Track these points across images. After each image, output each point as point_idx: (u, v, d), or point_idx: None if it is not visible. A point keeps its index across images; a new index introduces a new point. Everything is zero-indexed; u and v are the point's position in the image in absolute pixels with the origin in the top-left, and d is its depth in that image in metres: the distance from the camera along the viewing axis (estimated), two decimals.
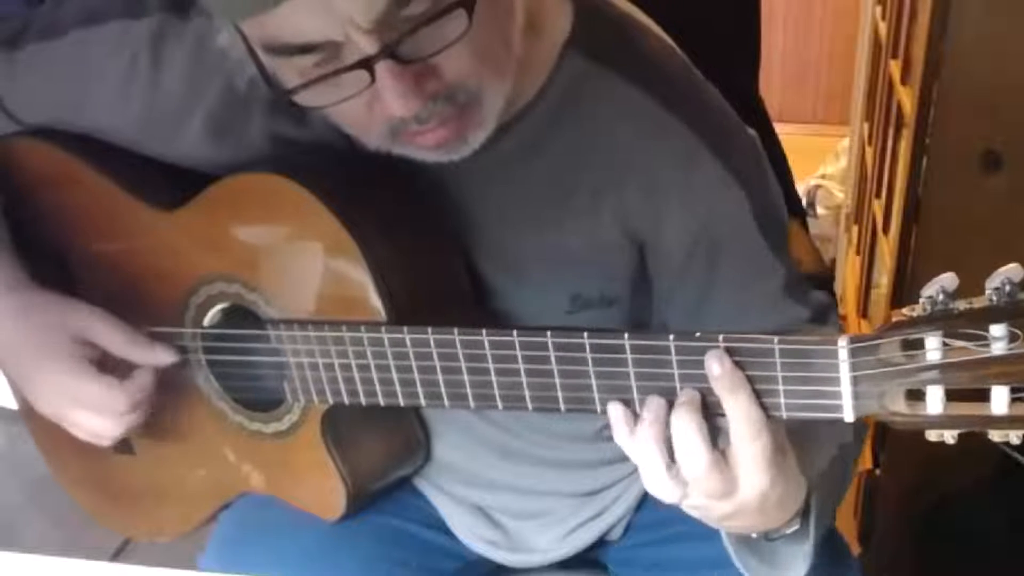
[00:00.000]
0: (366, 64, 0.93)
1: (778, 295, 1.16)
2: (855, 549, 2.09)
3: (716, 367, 0.92)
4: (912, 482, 2.20)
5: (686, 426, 0.93)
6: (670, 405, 0.95)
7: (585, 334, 0.97)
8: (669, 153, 1.12)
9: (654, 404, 0.96)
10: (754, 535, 1.05)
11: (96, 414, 1.19)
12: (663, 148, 1.12)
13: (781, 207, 1.21)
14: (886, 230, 2.43)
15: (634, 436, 0.96)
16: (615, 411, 0.98)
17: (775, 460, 0.95)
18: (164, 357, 1.20)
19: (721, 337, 0.92)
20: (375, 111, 0.98)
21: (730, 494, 0.95)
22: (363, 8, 0.90)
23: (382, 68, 0.93)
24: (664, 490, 0.97)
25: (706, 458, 0.93)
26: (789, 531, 1.03)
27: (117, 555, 1.92)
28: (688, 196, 1.13)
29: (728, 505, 0.96)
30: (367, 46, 0.92)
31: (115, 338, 1.19)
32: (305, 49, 0.94)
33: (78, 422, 1.20)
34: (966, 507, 2.12)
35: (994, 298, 0.79)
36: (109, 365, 1.19)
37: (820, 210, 3.53)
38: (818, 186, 3.58)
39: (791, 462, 0.97)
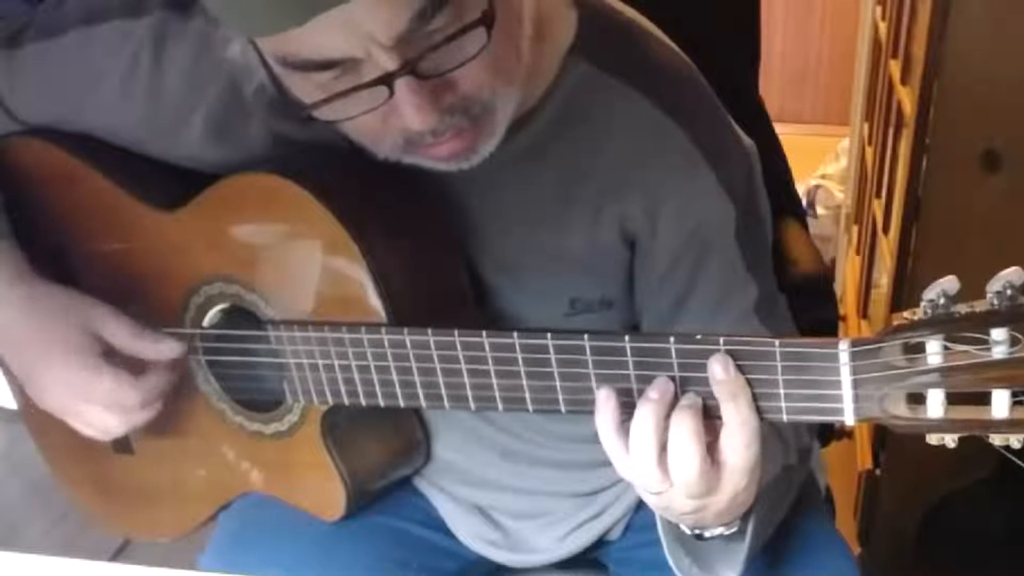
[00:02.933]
0: (386, 80, 0.93)
1: (747, 313, 1.17)
2: (855, 549, 2.09)
3: (720, 371, 0.92)
4: (912, 482, 2.21)
5: (685, 430, 0.93)
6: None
7: (585, 336, 0.97)
8: (668, 160, 1.13)
9: (663, 384, 0.95)
10: (687, 531, 1.05)
11: (105, 409, 1.18)
12: (662, 155, 1.13)
13: (766, 227, 1.22)
14: (886, 230, 2.43)
15: (636, 415, 0.95)
16: (607, 396, 0.97)
17: (757, 467, 0.95)
18: (171, 350, 1.19)
19: (722, 340, 0.92)
20: (390, 124, 0.99)
21: (708, 495, 0.96)
22: (385, 25, 0.90)
23: (402, 84, 0.93)
24: (649, 480, 0.96)
25: (699, 464, 0.93)
26: (727, 532, 1.04)
27: (117, 555, 1.92)
28: (682, 204, 1.14)
29: (699, 503, 0.97)
30: (388, 62, 0.92)
31: (121, 332, 1.19)
32: (325, 65, 0.94)
33: (86, 416, 1.20)
34: (966, 507, 2.13)
35: (995, 302, 0.79)
36: (119, 360, 1.19)
37: (820, 210, 3.53)
38: (818, 186, 3.58)
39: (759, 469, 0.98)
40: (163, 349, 1.19)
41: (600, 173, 1.14)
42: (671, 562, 1.09)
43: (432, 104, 0.95)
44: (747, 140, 1.20)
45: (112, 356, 1.19)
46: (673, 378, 0.95)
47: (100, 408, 1.18)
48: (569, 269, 1.17)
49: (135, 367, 1.19)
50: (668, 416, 0.94)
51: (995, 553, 2.09)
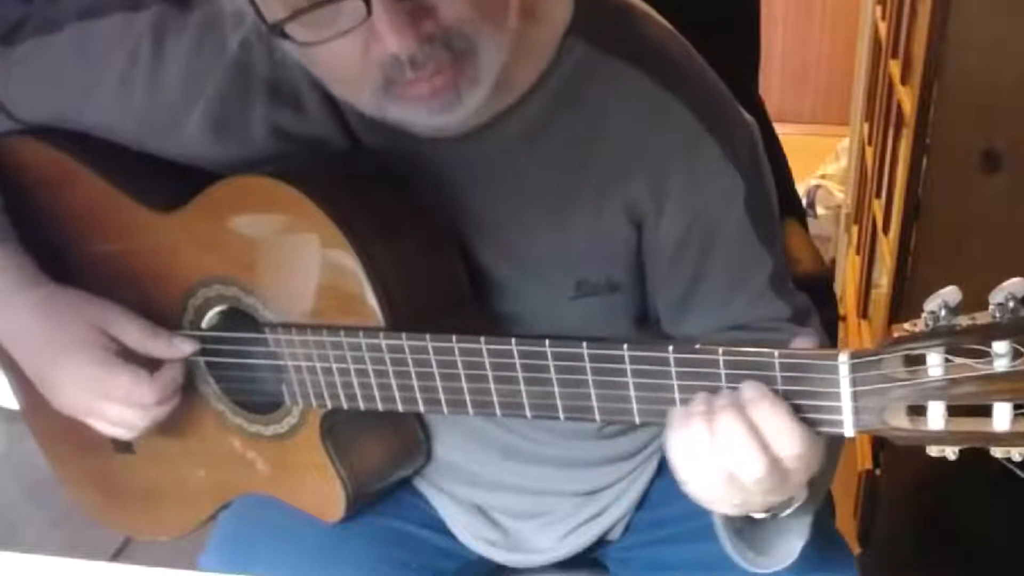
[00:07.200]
0: None
1: (763, 287, 1.17)
2: (855, 549, 2.09)
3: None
4: (912, 482, 2.21)
5: (734, 432, 0.92)
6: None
7: (584, 344, 0.97)
8: (671, 136, 1.13)
9: (705, 397, 0.94)
10: (763, 514, 1.04)
11: (124, 406, 1.18)
12: (665, 131, 1.13)
13: (774, 200, 1.21)
14: (886, 230, 2.43)
15: (686, 431, 0.93)
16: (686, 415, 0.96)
17: (814, 442, 0.94)
18: (184, 348, 1.20)
19: (721, 350, 0.92)
20: (370, 55, 0.98)
21: (783, 483, 0.95)
22: None
23: (379, 1, 0.93)
24: (718, 494, 0.96)
25: (763, 459, 0.92)
26: (799, 503, 1.03)
27: (117, 555, 1.92)
28: (688, 180, 1.13)
29: (776, 496, 0.97)
30: None
31: (134, 332, 1.19)
32: None
33: (106, 414, 1.20)
34: (966, 507, 2.13)
35: (997, 314, 0.79)
36: (132, 358, 1.19)
37: (820, 210, 3.53)
38: (818, 186, 3.58)
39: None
40: (177, 348, 1.20)
41: (602, 153, 1.13)
42: (733, 555, 1.08)
43: (410, 25, 0.95)
44: (748, 116, 1.21)
45: (126, 354, 1.19)
46: (671, 387, 0.95)
47: (120, 405, 1.19)
48: (574, 251, 1.17)
49: (149, 364, 1.19)
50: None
51: (995, 553, 2.08)
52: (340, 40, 0.96)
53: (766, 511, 1.03)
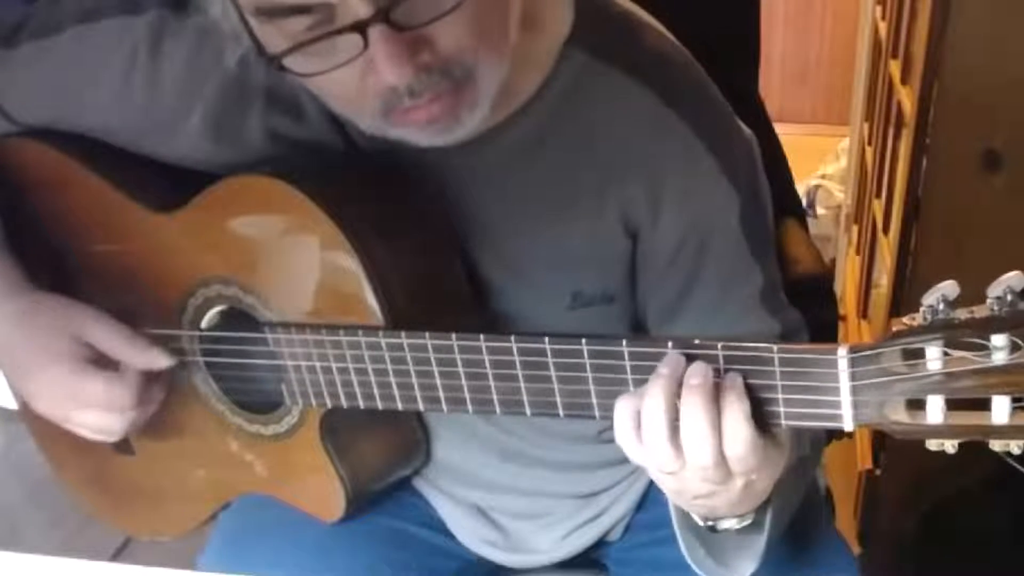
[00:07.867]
0: (359, 27, 0.92)
1: (754, 302, 1.17)
2: (855, 549, 2.09)
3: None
4: (912, 482, 2.21)
5: (695, 408, 0.91)
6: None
7: (583, 340, 0.97)
8: (668, 149, 1.13)
9: (675, 359, 0.93)
10: (700, 523, 1.05)
11: (101, 411, 1.18)
12: (662, 144, 1.13)
13: (769, 215, 1.21)
14: (886, 230, 2.43)
15: (648, 391, 0.93)
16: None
17: (768, 456, 0.95)
18: (159, 360, 1.19)
19: (720, 344, 0.92)
20: (368, 83, 0.97)
21: (724, 480, 0.95)
22: None
23: (376, 33, 0.92)
24: (662, 458, 0.95)
25: (713, 442, 0.92)
26: (739, 525, 1.04)
27: (117, 555, 1.92)
28: (684, 192, 1.13)
29: (713, 487, 0.96)
30: (361, 9, 0.91)
31: (112, 339, 1.19)
32: (298, 10, 0.93)
33: (82, 421, 1.20)
34: (966, 507, 2.13)
35: (995, 307, 0.79)
36: (109, 362, 1.19)
37: (820, 210, 3.54)
38: (818, 186, 3.59)
39: (780, 454, 0.97)
40: (152, 358, 1.20)
41: (600, 163, 1.13)
42: (686, 555, 1.09)
43: (407, 56, 0.94)
44: (746, 129, 1.20)
45: (102, 360, 1.19)
46: None
47: (96, 411, 1.19)
48: (570, 262, 1.17)
49: (124, 367, 1.19)
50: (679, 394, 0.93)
51: (995, 553, 2.08)
52: (338, 70, 0.96)
53: (704, 516, 1.05)
